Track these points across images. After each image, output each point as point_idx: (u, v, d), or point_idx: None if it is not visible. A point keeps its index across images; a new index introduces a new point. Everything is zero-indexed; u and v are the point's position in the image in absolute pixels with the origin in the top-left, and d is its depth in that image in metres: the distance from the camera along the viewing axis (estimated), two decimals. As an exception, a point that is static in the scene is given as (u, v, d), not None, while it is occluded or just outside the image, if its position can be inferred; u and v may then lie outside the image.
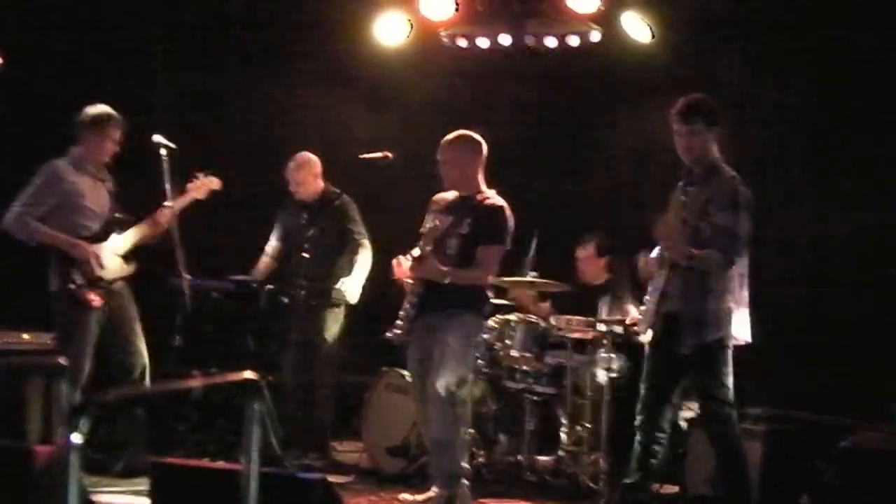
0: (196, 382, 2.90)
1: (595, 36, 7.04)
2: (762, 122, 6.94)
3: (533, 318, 6.22)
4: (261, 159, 7.19)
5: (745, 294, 5.05)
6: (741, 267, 5.08)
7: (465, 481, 5.34)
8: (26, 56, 7.19)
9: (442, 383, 5.20)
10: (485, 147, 5.43)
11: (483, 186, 5.45)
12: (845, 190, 6.59)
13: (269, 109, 7.90)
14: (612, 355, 5.99)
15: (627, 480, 5.16)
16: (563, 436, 6.15)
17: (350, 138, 7.55)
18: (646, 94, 7.21)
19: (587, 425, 6.01)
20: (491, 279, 5.43)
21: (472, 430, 5.79)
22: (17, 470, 3.67)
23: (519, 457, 6.07)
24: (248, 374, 2.84)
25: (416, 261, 5.31)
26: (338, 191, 6.43)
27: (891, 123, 6.53)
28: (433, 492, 5.29)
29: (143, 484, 4.08)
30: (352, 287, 6.39)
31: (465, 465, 5.38)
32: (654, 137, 6.25)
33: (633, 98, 7.34)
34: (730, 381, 4.97)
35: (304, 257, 6.16)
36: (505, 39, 7.17)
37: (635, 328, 5.79)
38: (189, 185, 6.00)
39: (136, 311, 5.92)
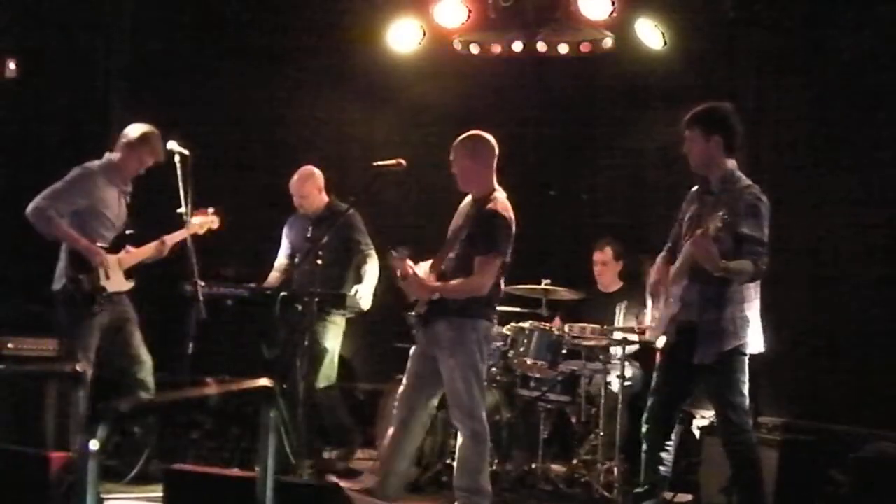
0: (213, 390, 2.89)
1: (608, 43, 7.05)
2: (766, 123, 6.91)
3: (546, 325, 6.20)
4: (276, 165, 7.19)
5: (758, 303, 5.02)
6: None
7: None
8: (37, 60, 7.23)
9: (462, 422, 5.04)
10: (496, 147, 5.27)
11: (494, 187, 5.26)
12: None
13: (285, 116, 7.92)
14: (626, 363, 5.98)
15: (638, 490, 5.15)
16: (576, 444, 6.13)
17: (364, 144, 7.57)
18: (658, 100, 7.21)
19: (601, 433, 5.98)
20: (486, 288, 5.09)
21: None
22: (33, 476, 3.68)
23: (533, 465, 6.04)
24: (264, 382, 2.84)
25: (402, 279, 5.22)
26: (343, 204, 6.38)
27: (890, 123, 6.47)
28: None
29: (157, 491, 4.08)
30: (365, 294, 6.38)
31: (487, 486, 5.11)
32: (666, 143, 6.24)
33: (645, 104, 7.33)
34: (746, 389, 4.94)
35: (313, 267, 6.12)
36: (518, 46, 7.18)
37: (645, 336, 5.77)
38: (192, 219, 5.96)
39: (135, 318, 5.91)
